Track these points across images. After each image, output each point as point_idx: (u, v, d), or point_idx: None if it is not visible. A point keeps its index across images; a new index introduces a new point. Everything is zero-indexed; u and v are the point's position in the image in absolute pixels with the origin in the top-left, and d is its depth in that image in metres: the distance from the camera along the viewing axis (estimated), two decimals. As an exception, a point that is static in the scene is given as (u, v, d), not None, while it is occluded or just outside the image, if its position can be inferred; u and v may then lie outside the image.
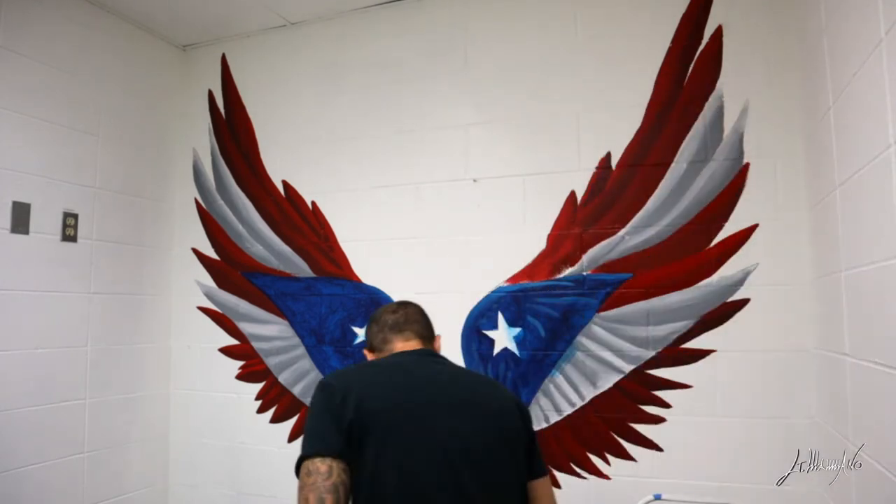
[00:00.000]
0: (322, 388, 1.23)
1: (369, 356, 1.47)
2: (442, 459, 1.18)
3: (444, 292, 2.40)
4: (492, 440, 1.24)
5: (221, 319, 2.80)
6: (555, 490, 2.20)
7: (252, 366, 2.72)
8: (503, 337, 2.30)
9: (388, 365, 1.34)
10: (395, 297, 2.47)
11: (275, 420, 2.65)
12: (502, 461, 1.24)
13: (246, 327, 2.74)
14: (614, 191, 2.20)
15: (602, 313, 2.18)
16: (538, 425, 2.24)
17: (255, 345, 2.72)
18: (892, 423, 1.22)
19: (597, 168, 2.23)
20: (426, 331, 1.46)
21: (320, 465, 1.15)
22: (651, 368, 2.11)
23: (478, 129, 2.41)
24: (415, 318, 1.46)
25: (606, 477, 2.16)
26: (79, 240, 2.43)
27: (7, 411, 2.14)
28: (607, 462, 2.15)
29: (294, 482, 2.79)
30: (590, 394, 2.19)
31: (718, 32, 2.11)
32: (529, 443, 1.31)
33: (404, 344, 1.41)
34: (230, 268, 2.80)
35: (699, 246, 2.09)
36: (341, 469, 1.15)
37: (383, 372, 1.31)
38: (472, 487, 1.17)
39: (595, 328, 2.19)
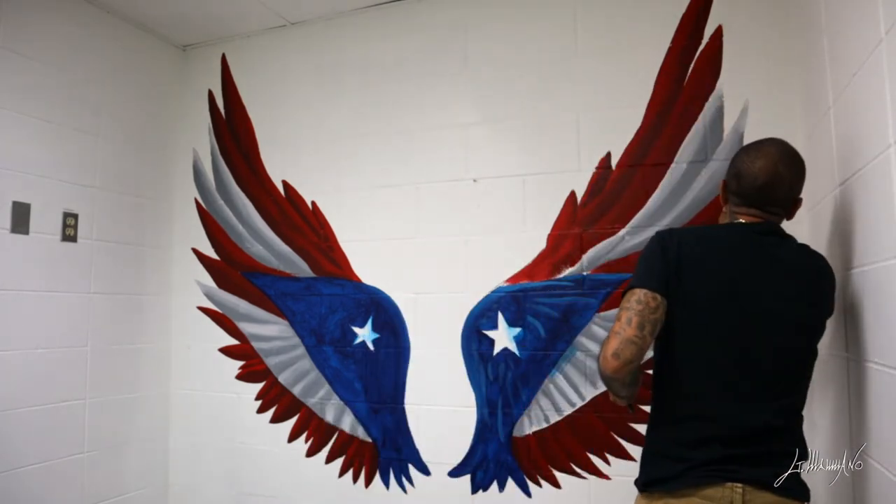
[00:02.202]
0: (661, 238, 1.37)
1: (723, 196, 1.49)
2: (732, 350, 1.29)
3: (444, 292, 2.40)
4: (796, 334, 1.32)
5: (221, 319, 2.80)
6: (555, 490, 2.21)
7: (252, 366, 2.72)
8: (503, 337, 2.30)
9: (721, 239, 1.39)
10: (395, 297, 2.48)
11: (275, 420, 2.65)
12: (801, 350, 1.33)
13: (246, 327, 2.74)
14: (614, 191, 2.20)
15: (602, 313, 2.18)
16: (538, 425, 2.25)
17: (255, 345, 2.72)
18: (892, 423, 1.22)
19: (597, 168, 2.23)
20: (787, 198, 1.40)
21: (651, 300, 1.31)
22: (651, 368, 2.11)
23: (478, 129, 2.41)
24: (780, 186, 1.37)
25: (606, 477, 2.16)
26: (79, 240, 2.43)
27: (7, 411, 2.14)
28: (607, 462, 2.15)
29: (294, 481, 2.79)
30: (590, 394, 2.19)
31: (718, 32, 2.11)
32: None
33: (749, 216, 1.40)
34: (230, 268, 2.80)
35: (699, 246, 2.08)
36: (664, 310, 1.32)
37: (714, 245, 1.37)
38: (763, 380, 1.29)
39: (595, 328, 2.19)
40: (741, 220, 1.40)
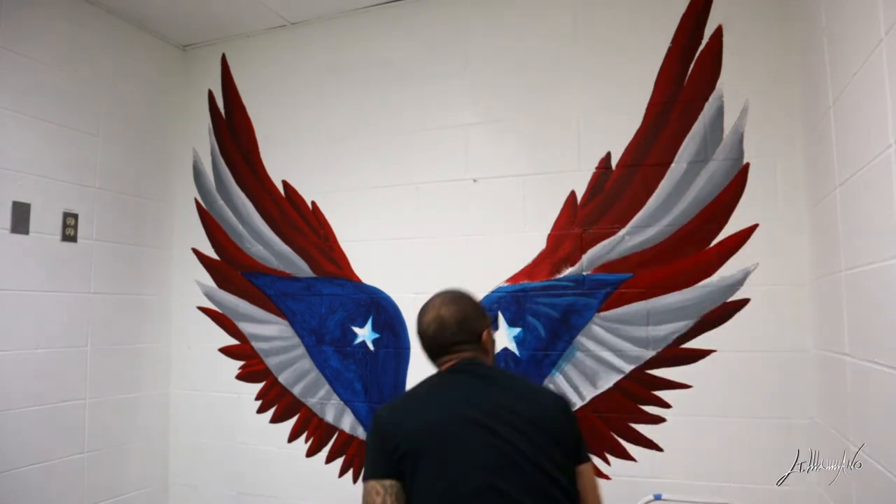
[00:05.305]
0: (375, 421, 1.38)
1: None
2: (478, 472, 1.26)
3: (444, 292, 2.40)
4: (530, 445, 1.29)
5: (221, 319, 2.80)
6: (555, 490, 2.21)
7: (252, 366, 2.72)
8: (503, 337, 2.30)
9: (426, 393, 1.43)
10: (395, 297, 2.48)
11: (275, 420, 2.65)
12: (543, 463, 1.29)
13: (246, 327, 2.74)
14: (614, 191, 2.20)
15: (602, 313, 2.18)
16: (538, 425, 2.25)
17: (255, 345, 2.72)
18: (892, 423, 1.22)
19: (597, 168, 2.23)
20: (464, 334, 1.46)
21: (374, 493, 1.30)
22: (651, 368, 2.11)
23: (478, 129, 2.41)
24: (449, 326, 1.46)
25: (606, 477, 2.16)
26: (79, 240, 2.43)
27: (7, 411, 2.14)
28: (607, 462, 2.15)
29: (294, 481, 2.79)
30: (590, 394, 2.19)
31: (718, 32, 2.11)
32: (572, 439, 1.36)
33: (444, 363, 1.47)
34: (230, 268, 2.80)
35: (699, 246, 2.09)
36: (393, 496, 1.29)
37: (423, 400, 1.41)
38: (512, 492, 1.24)
39: (595, 328, 2.19)
40: (441, 369, 1.47)
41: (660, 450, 2.09)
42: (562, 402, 1.42)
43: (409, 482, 1.29)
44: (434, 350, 1.49)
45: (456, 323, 1.46)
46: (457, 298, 1.51)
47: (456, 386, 1.40)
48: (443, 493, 1.26)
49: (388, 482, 1.29)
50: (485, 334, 1.49)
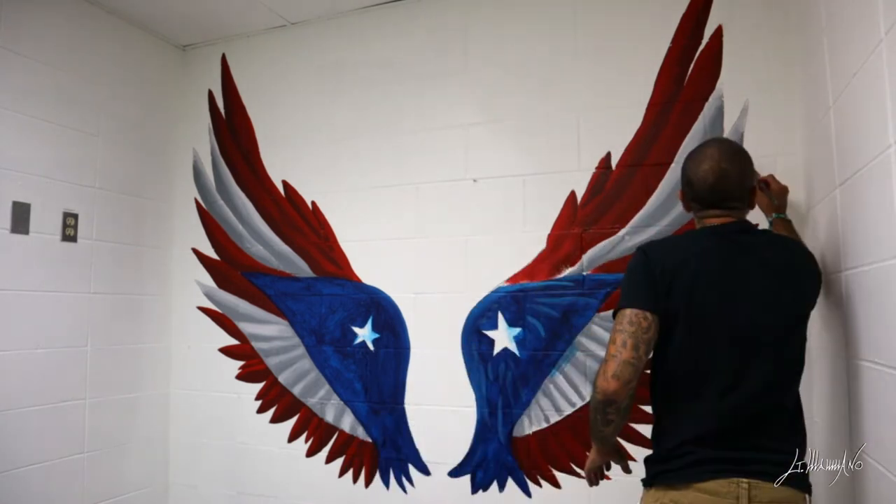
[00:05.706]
0: (644, 253, 1.40)
1: (684, 205, 1.55)
2: (730, 347, 1.33)
3: (444, 292, 2.40)
4: (786, 325, 1.36)
5: (221, 319, 2.80)
6: (555, 490, 2.21)
7: (252, 366, 2.72)
8: (503, 337, 2.30)
9: (700, 244, 1.42)
10: (395, 297, 2.47)
11: (275, 420, 2.65)
12: (794, 341, 1.38)
13: (246, 327, 2.74)
14: (614, 191, 2.20)
15: (602, 313, 2.18)
16: (538, 425, 2.25)
17: (255, 345, 2.72)
18: (892, 423, 1.22)
19: (597, 168, 2.23)
20: (741, 190, 1.45)
21: (642, 320, 1.33)
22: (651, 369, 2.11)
23: (478, 129, 2.41)
24: (731, 181, 1.43)
25: (606, 477, 2.15)
26: (79, 240, 2.43)
27: (7, 411, 2.14)
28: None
29: (294, 482, 2.78)
30: (590, 394, 2.18)
31: (718, 32, 2.11)
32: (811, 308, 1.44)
33: (714, 217, 1.45)
34: (230, 268, 2.80)
35: (699, 246, 2.08)
36: (656, 327, 1.34)
37: (695, 252, 1.40)
38: (762, 374, 1.32)
39: (595, 328, 2.19)
40: (710, 223, 1.45)
41: (660, 450, 2.08)
42: (819, 278, 1.46)
43: (664, 326, 1.33)
44: (707, 200, 1.45)
45: (737, 179, 1.44)
46: (738, 151, 1.48)
47: (730, 251, 1.39)
48: (688, 361, 1.34)
49: (654, 319, 1.32)
50: (754, 192, 1.49)
